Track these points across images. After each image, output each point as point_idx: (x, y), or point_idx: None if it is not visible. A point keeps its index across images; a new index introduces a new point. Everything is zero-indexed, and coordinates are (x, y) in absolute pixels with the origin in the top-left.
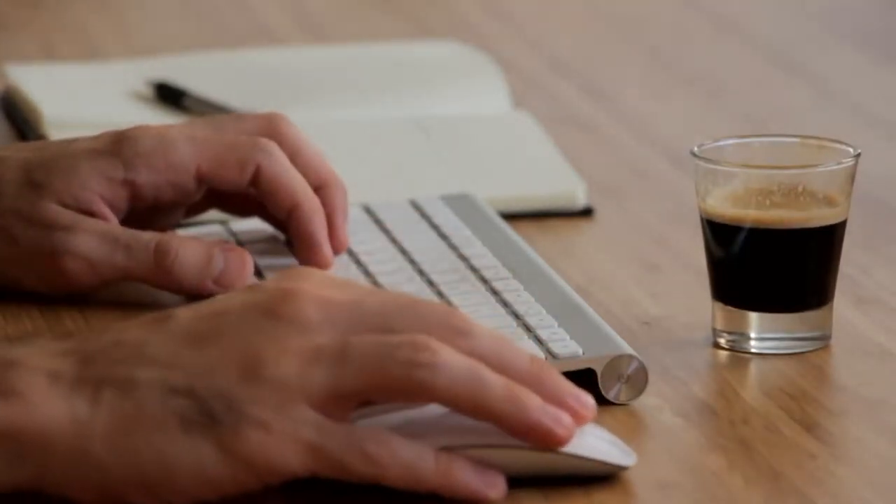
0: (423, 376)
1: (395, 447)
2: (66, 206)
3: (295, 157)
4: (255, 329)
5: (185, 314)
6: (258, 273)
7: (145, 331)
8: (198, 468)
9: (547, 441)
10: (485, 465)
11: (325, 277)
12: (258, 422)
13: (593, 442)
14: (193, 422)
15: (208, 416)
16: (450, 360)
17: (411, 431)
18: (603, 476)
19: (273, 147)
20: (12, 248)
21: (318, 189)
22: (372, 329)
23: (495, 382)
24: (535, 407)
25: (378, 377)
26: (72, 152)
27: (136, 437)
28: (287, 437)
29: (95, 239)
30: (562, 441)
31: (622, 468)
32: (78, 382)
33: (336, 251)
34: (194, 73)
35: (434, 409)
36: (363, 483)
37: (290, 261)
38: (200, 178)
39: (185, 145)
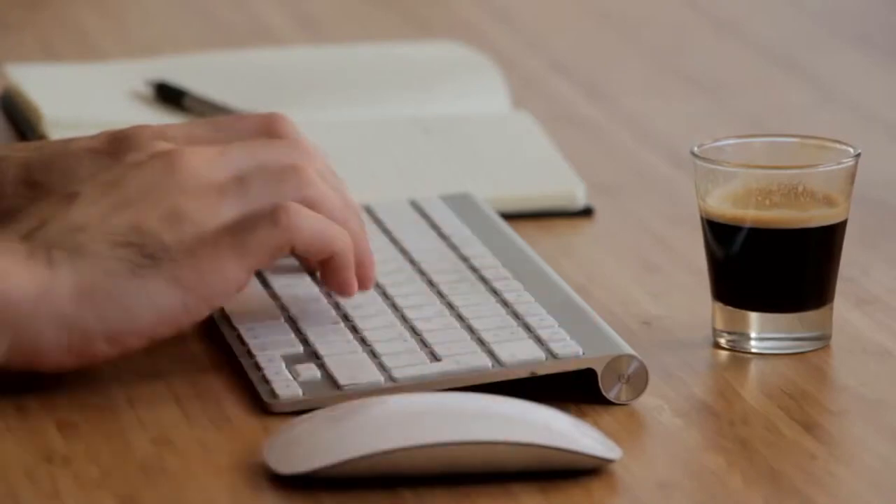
0: (310, 194)
1: (304, 212)
2: None
3: None
4: (160, 185)
5: (89, 189)
6: (258, 274)
7: (62, 208)
8: (153, 305)
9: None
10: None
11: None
12: (190, 252)
13: (579, 437)
14: (140, 265)
15: (150, 257)
16: (320, 181)
17: (412, 423)
18: (602, 475)
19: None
20: None
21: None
22: (250, 163)
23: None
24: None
25: (275, 200)
26: (71, 152)
27: (96, 288)
28: (215, 255)
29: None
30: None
31: (608, 461)
32: (30, 252)
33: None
34: (194, 73)
35: (432, 403)
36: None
37: (293, 258)
38: None
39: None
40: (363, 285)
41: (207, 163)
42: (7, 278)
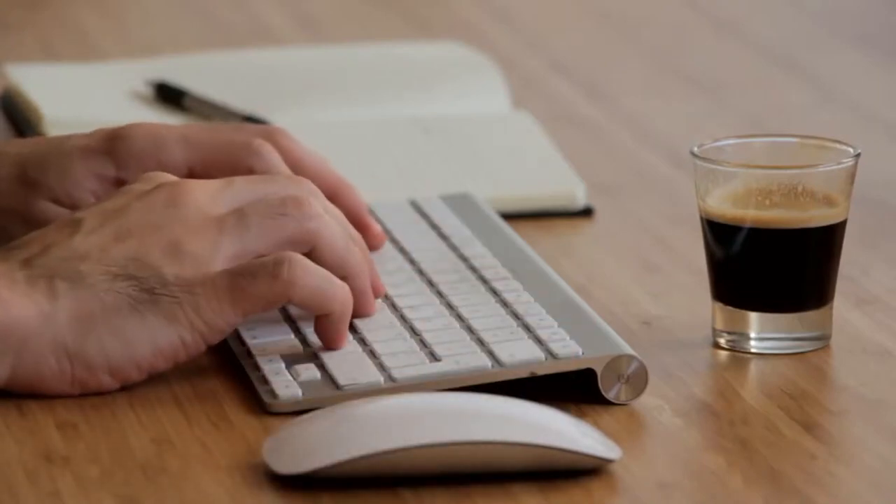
0: (312, 226)
1: (306, 267)
2: (59, 203)
3: (299, 170)
4: (162, 218)
5: (92, 217)
6: None
7: (64, 235)
8: (151, 339)
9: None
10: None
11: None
12: (189, 289)
13: (579, 437)
14: (139, 300)
15: (150, 292)
16: (323, 212)
17: (412, 423)
18: (602, 475)
19: (266, 148)
20: None
21: (333, 197)
22: (251, 196)
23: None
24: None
25: (276, 233)
26: (66, 150)
27: (95, 320)
28: (213, 296)
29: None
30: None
31: (608, 461)
32: (31, 281)
33: (376, 246)
34: (194, 73)
35: (432, 403)
36: (285, 304)
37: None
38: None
39: (177, 146)
40: (377, 293)
41: (210, 196)
42: (9, 307)
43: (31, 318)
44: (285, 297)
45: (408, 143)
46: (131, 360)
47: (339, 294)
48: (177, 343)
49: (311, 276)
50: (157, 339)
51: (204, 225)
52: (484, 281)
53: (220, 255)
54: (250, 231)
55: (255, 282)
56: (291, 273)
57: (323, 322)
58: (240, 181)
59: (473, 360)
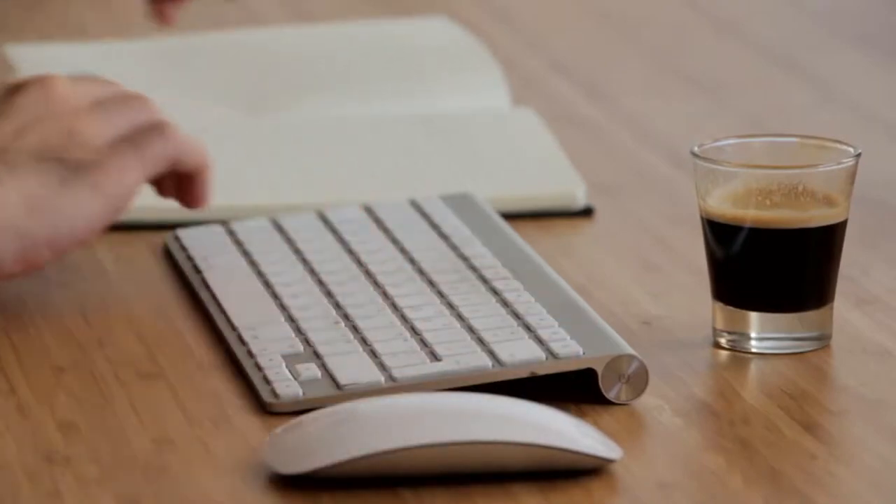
0: (163, 117)
1: (179, 128)
2: None
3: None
4: (47, 109)
5: None
6: (258, 274)
7: None
8: (83, 211)
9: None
10: None
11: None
12: (99, 163)
13: (579, 437)
14: (65, 177)
15: (73, 171)
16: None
17: (412, 423)
18: (602, 475)
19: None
20: None
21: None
22: (104, 93)
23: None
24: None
25: (135, 113)
26: None
27: (38, 199)
28: (121, 163)
29: None
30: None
31: (608, 461)
32: None
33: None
34: (193, 55)
35: (432, 403)
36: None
37: (293, 258)
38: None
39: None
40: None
41: (72, 89)
42: None
43: None
44: (177, 153)
45: (408, 143)
46: (69, 234)
47: (204, 151)
48: (101, 213)
49: (186, 135)
50: (87, 210)
51: (84, 110)
52: (484, 281)
53: (107, 134)
54: (114, 117)
55: (151, 144)
56: (175, 131)
57: (195, 180)
58: (86, 80)
59: (474, 360)
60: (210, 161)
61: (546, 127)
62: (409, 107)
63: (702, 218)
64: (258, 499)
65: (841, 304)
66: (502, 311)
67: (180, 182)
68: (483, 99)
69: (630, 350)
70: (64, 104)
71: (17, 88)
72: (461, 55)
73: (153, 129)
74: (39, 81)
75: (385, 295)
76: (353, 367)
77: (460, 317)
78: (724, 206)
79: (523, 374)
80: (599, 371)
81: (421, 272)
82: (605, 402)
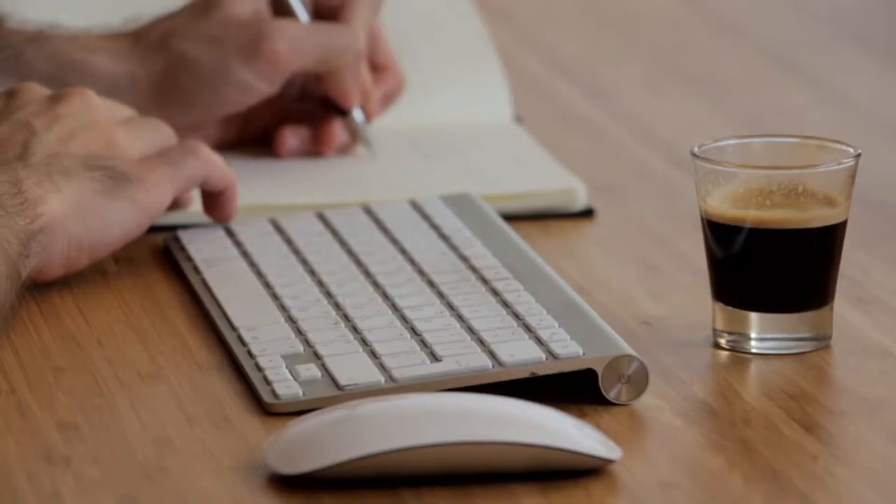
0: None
1: (208, 148)
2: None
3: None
4: (89, 117)
5: (37, 119)
6: (258, 274)
7: (25, 138)
8: (120, 221)
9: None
10: None
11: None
12: (139, 177)
13: (579, 437)
14: (109, 186)
15: (116, 180)
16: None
17: (412, 423)
18: (602, 475)
19: None
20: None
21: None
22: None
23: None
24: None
25: (167, 134)
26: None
27: (88, 206)
28: (158, 182)
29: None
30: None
31: (608, 461)
32: (37, 179)
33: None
34: None
35: (432, 403)
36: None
37: (293, 259)
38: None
39: None
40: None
41: (107, 103)
42: (43, 203)
43: (56, 211)
44: (205, 173)
45: (407, 148)
46: (106, 241)
47: (229, 169)
48: (135, 224)
49: (215, 156)
50: (123, 220)
51: (120, 123)
52: (484, 281)
53: (139, 150)
54: (145, 128)
55: (185, 163)
56: (207, 151)
57: (224, 198)
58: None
59: (474, 361)
60: (235, 178)
61: (541, 138)
62: (410, 110)
63: (702, 218)
64: (258, 499)
65: (841, 304)
66: (502, 311)
67: (207, 197)
68: (485, 101)
69: (630, 350)
70: (103, 116)
71: (56, 98)
72: (464, 52)
73: (187, 150)
74: (79, 93)
75: (385, 295)
76: (353, 368)
77: (460, 317)
78: (724, 206)
79: (523, 374)
80: (599, 371)
81: (421, 273)
82: (606, 403)
